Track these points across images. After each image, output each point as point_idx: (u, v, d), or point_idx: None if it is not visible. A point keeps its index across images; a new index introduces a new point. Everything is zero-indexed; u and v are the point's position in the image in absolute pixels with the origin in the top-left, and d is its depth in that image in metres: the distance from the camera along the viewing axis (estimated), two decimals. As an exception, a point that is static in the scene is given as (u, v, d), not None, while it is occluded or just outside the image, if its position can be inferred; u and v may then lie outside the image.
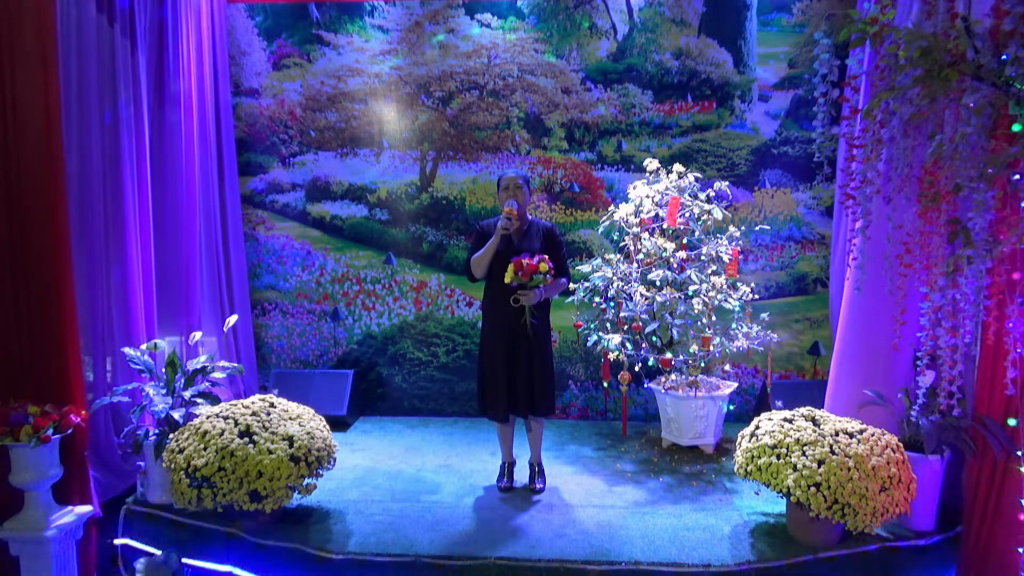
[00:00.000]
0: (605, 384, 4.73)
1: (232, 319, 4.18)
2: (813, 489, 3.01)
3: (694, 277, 4.34)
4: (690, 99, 5.10)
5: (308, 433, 3.44)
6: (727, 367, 4.51)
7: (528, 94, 5.15)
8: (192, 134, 4.52)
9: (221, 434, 3.31)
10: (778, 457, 3.16)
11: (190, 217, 4.41)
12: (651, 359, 4.47)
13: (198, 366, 3.79)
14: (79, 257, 3.54)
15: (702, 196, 4.52)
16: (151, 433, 3.59)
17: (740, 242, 4.48)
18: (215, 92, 4.81)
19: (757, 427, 3.39)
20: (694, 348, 4.38)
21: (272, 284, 5.42)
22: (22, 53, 3.34)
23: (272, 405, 3.61)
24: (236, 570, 3.30)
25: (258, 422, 3.41)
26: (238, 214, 5.19)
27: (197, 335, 4.06)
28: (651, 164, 4.56)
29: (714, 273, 4.41)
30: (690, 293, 4.35)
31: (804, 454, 3.10)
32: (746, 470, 3.29)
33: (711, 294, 4.31)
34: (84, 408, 3.47)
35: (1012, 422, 3.03)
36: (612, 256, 4.58)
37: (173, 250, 4.36)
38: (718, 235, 4.49)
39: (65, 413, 3.27)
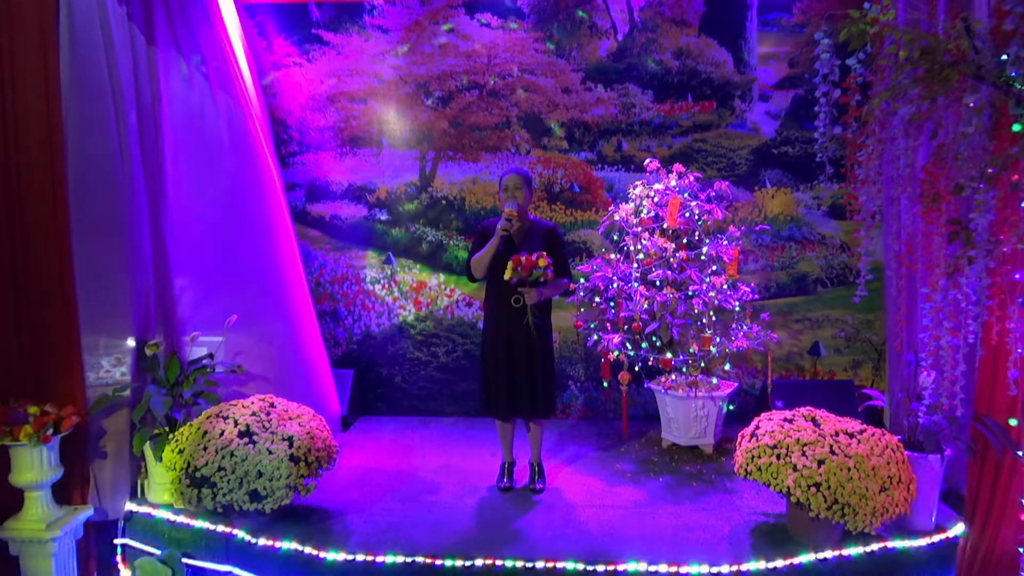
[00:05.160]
0: (605, 384, 4.72)
1: (232, 318, 4.16)
2: (813, 489, 3.00)
3: (694, 277, 4.34)
4: (690, 99, 5.10)
5: (308, 433, 3.44)
6: (727, 367, 4.50)
7: (528, 93, 5.14)
8: (252, 127, 4.45)
9: (221, 434, 3.31)
10: (778, 457, 3.16)
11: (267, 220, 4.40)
12: (651, 359, 4.47)
13: (198, 366, 3.79)
14: (80, 255, 3.51)
15: (702, 196, 4.51)
16: (151, 433, 3.59)
17: (740, 242, 4.48)
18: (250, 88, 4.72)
19: (757, 427, 3.39)
20: (694, 348, 4.38)
21: (272, 284, 5.41)
22: (22, 50, 3.33)
23: (272, 405, 3.60)
24: (236, 570, 3.30)
25: (258, 422, 3.41)
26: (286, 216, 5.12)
27: (195, 335, 4.04)
28: (651, 164, 4.56)
29: (714, 273, 4.41)
30: (690, 293, 4.35)
31: (804, 454, 3.10)
32: (746, 470, 3.29)
33: (711, 294, 4.31)
34: (84, 408, 3.47)
35: (1013, 422, 3.03)
36: (612, 256, 4.58)
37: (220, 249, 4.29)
38: (718, 235, 4.48)
39: (65, 413, 3.27)
